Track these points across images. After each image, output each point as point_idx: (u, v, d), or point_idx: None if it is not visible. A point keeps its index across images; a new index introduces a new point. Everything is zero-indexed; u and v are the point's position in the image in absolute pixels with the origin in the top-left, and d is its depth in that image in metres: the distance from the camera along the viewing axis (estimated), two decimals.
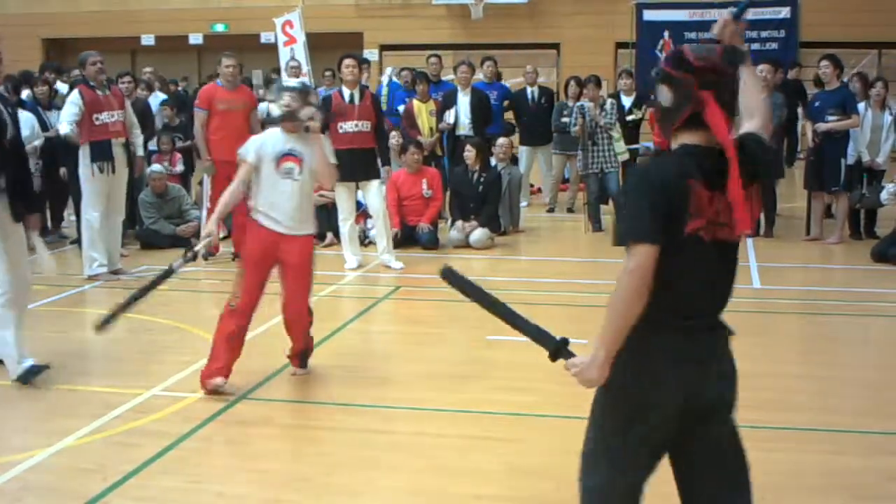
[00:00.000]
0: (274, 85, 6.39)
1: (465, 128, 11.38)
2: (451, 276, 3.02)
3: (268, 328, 6.91)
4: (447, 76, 13.73)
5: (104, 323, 5.12)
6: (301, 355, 5.86)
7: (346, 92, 9.06)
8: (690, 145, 2.71)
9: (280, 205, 5.50)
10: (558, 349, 2.80)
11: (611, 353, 2.66)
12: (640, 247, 2.59)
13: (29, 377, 5.62)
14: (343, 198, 9.13)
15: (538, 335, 2.85)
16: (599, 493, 2.83)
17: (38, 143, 10.12)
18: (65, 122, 8.51)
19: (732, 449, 2.83)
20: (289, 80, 8.87)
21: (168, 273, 5.36)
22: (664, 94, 2.73)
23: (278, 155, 5.50)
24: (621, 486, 2.82)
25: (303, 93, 5.56)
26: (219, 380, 5.41)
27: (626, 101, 12.69)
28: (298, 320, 5.67)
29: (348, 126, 8.97)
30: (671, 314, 2.68)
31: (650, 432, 2.74)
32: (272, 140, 5.55)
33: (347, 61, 9.01)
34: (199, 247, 5.79)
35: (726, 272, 2.78)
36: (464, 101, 11.45)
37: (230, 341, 5.46)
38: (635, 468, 2.80)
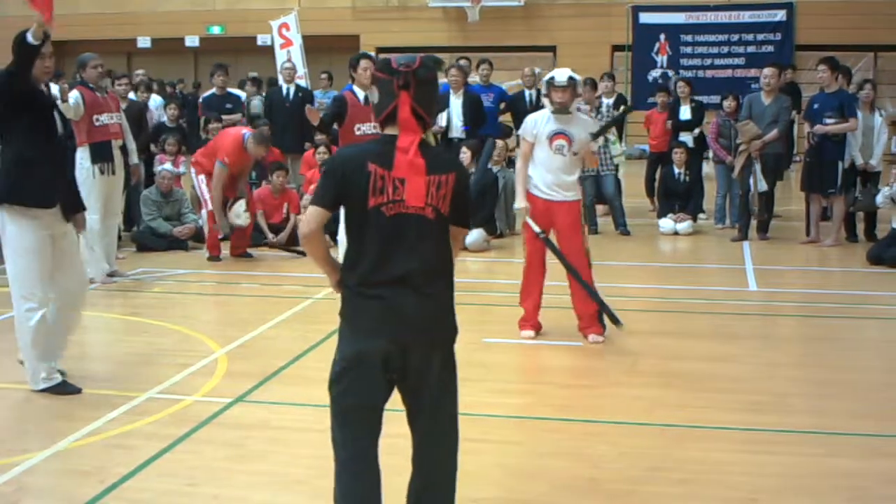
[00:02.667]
0: None
1: (457, 130, 11.36)
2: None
3: (264, 331, 6.92)
4: (442, 79, 13.69)
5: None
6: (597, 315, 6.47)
7: (360, 93, 8.85)
8: (389, 135, 3.18)
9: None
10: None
11: (331, 279, 3.48)
12: (311, 207, 3.22)
13: (51, 391, 5.46)
14: None
15: None
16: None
17: None
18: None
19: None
20: None
21: None
22: (374, 94, 3.23)
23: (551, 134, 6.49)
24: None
25: None
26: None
27: (606, 103, 12.68)
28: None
29: (366, 128, 8.73)
30: (369, 283, 3.22)
31: (357, 383, 3.41)
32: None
33: (364, 63, 8.54)
34: None
35: (419, 242, 3.18)
36: (455, 103, 11.40)
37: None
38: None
